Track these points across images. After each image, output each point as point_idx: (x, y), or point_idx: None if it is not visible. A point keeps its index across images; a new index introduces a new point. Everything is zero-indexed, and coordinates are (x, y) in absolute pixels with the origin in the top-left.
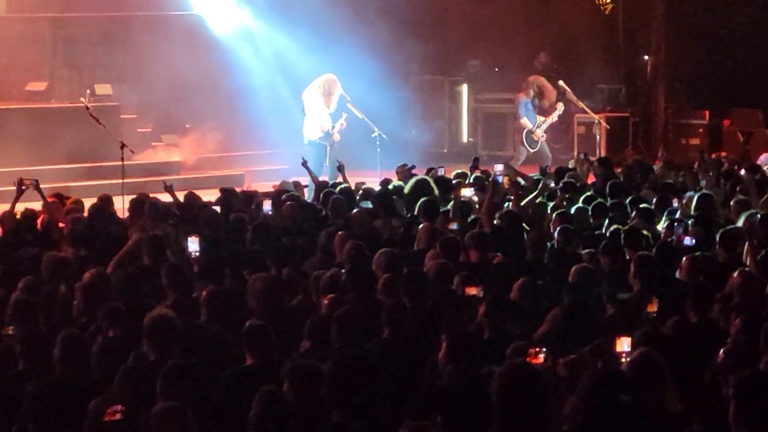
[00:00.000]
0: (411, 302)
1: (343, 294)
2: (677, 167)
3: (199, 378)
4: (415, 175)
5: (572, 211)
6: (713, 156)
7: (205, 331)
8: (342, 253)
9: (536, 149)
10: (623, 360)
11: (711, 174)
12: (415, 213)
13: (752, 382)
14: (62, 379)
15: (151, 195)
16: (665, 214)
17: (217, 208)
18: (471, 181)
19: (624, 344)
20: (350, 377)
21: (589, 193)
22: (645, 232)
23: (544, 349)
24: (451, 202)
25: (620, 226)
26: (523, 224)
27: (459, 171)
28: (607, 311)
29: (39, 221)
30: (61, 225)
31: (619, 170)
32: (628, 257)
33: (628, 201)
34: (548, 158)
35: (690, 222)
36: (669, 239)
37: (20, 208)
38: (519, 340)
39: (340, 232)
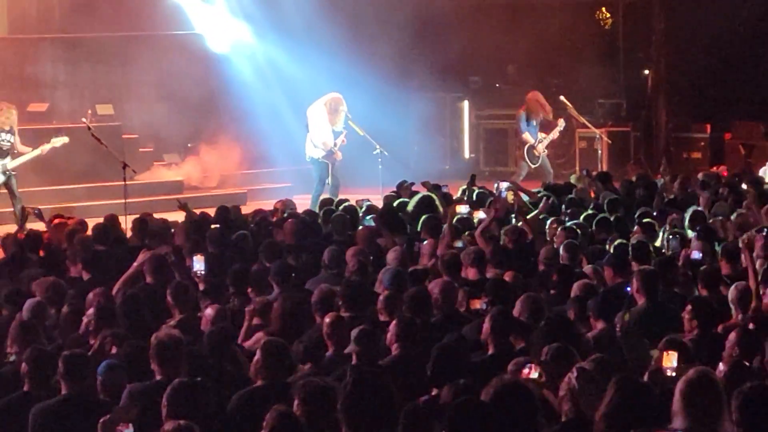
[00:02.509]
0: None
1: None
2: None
3: (206, 397)
4: (417, 192)
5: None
6: (713, 170)
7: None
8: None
9: (537, 165)
10: (669, 375)
11: (710, 188)
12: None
13: (755, 396)
14: (67, 399)
15: (154, 214)
16: (665, 228)
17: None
18: (470, 197)
19: (672, 359)
20: (367, 395)
21: (591, 210)
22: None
23: (532, 365)
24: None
25: (625, 241)
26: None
27: (463, 188)
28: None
29: (43, 243)
30: (64, 246)
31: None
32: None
33: (637, 215)
34: (550, 174)
35: (692, 236)
36: (670, 253)
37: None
38: (522, 356)
39: (352, 248)
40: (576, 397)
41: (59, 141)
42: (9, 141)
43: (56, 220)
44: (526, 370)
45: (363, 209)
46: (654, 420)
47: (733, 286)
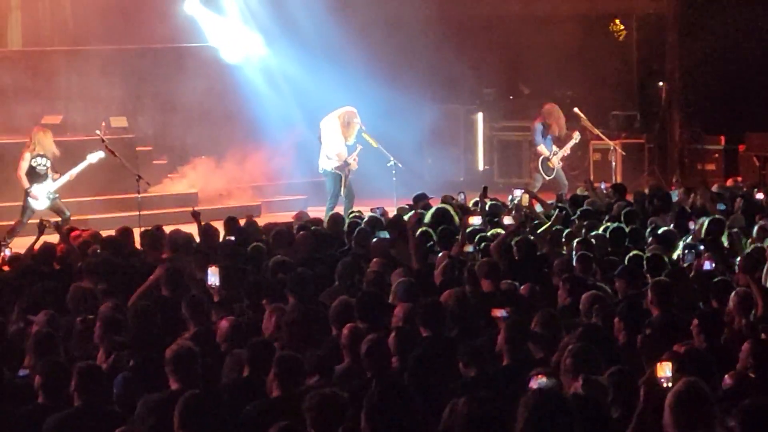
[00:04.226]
0: (428, 331)
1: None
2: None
3: (219, 409)
4: (431, 205)
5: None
6: (729, 182)
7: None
8: None
9: (552, 177)
10: (665, 386)
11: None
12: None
13: (757, 412)
14: (81, 410)
15: (167, 227)
16: (683, 239)
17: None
18: (483, 209)
19: (665, 369)
20: (389, 407)
21: (607, 222)
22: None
23: (542, 373)
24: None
25: (640, 252)
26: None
27: (476, 200)
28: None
29: (57, 255)
30: (77, 258)
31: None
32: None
33: (650, 227)
34: (565, 186)
35: (701, 247)
36: (684, 264)
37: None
38: (539, 367)
39: (375, 259)
40: None
41: (95, 157)
42: (45, 165)
43: (75, 233)
44: (533, 381)
45: (365, 219)
46: None
47: (733, 293)
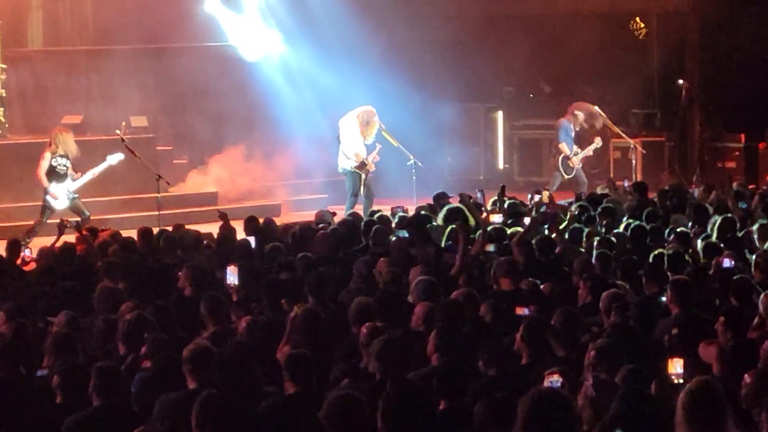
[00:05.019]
0: (446, 330)
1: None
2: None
3: (236, 408)
4: (449, 203)
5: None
6: (750, 187)
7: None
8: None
9: (571, 176)
10: (675, 382)
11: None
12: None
13: None
14: (99, 411)
15: (188, 226)
16: (702, 237)
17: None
18: (501, 208)
19: (677, 366)
20: (408, 408)
21: (628, 220)
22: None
23: (557, 372)
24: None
25: (663, 251)
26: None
27: (494, 199)
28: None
29: (77, 255)
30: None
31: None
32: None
33: (671, 225)
34: (584, 184)
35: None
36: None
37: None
38: (558, 366)
39: (382, 259)
40: (595, 405)
41: (115, 158)
42: (65, 165)
43: (103, 232)
44: (547, 380)
45: (396, 220)
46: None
47: (763, 294)
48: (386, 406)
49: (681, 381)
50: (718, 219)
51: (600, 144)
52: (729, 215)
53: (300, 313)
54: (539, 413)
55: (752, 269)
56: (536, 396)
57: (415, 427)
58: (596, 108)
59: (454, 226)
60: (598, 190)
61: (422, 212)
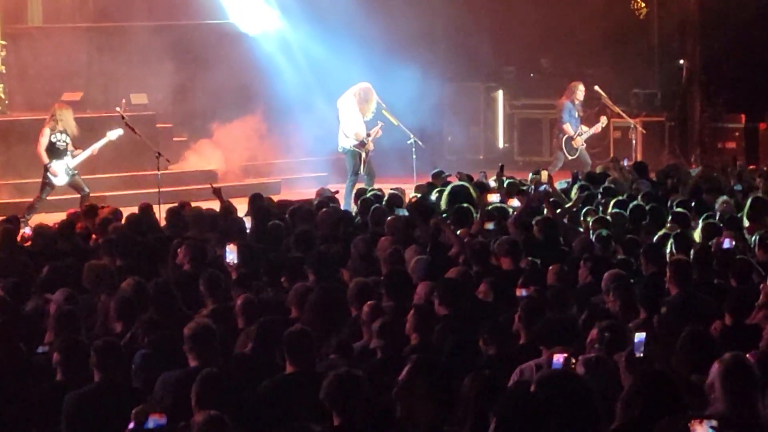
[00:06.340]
0: (447, 309)
1: (380, 300)
2: (714, 170)
3: (235, 386)
4: (450, 182)
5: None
6: (751, 167)
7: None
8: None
9: (575, 156)
10: (637, 355)
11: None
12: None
13: None
14: (100, 387)
15: (190, 203)
16: (702, 218)
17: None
18: (501, 187)
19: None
20: (426, 379)
21: (625, 199)
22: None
23: (561, 354)
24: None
25: (667, 231)
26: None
27: (493, 178)
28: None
29: (76, 232)
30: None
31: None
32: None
33: (669, 205)
34: (588, 165)
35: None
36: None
37: (57, 218)
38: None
39: (383, 237)
40: None
41: (115, 134)
42: (65, 141)
43: (104, 209)
44: (556, 359)
45: (386, 198)
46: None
47: None
48: (406, 378)
49: (641, 354)
50: (720, 199)
51: (605, 123)
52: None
53: (314, 292)
54: (549, 395)
55: (755, 248)
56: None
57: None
58: (596, 88)
59: (458, 205)
60: (598, 170)
61: (424, 193)
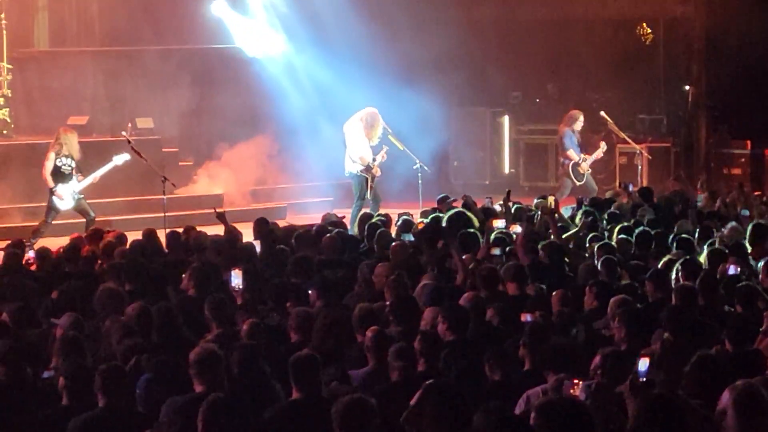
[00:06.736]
0: (453, 335)
1: (386, 326)
2: (719, 197)
3: (242, 412)
4: (452, 206)
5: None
6: (756, 193)
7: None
8: (381, 283)
9: (582, 182)
10: (641, 380)
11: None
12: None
13: None
14: (105, 412)
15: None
16: (707, 244)
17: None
18: (507, 212)
19: (643, 365)
20: (442, 409)
21: (627, 224)
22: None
23: (576, 381)
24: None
25: (672, 257)
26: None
27: (499, 203)
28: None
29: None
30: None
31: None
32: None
33: (675, 231)
34: (594, 191)
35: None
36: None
37: (63, 242)
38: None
39: (380, 264)
40: None
41: (121, 159)
42: (70, 165)
43: (109, 233)
44: (570, 387)
45: (399, 223)
46: None
47: None
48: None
49: (645, 380)
50: (728, 225)
51: (605, 148)
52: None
53: (320, 317)
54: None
55: (760, 275)
56: (549, 407)
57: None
58: (602, 113)
59: (463, 231)
60: (608, 194)
61: (431, 219)
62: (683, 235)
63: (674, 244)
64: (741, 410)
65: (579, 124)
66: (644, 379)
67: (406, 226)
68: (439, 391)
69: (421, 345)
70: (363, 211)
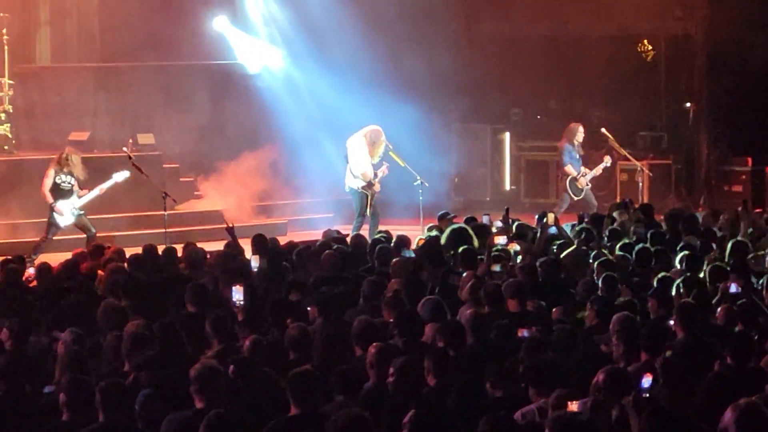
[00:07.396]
0: (454, 351)
1: (390, 341)
2: (720, 214)
3: (242, 428)
4: (453, 222)
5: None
6: (758, 210)
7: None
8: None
9: (581, 197)
10: (644, 396)
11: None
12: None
13: None
14: (104, 428)
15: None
16: (708, 262)
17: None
18: (508, 229)
19: (646, 381)
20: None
21: (628, 241)
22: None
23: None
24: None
25: (668, 274)
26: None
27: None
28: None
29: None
30: (100, 274)
31: (661, 218)
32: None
33: (679, 248)
34: (594, 207)
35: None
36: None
37: (63, 258)
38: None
39: (395, 280)
40: None
41: (121, 176)
42: (70, 183)
43: (108, 249)
44: (571, 405)
45: (394, 240)
46: None
47: None
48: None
49: (648, 396)
50: (730, 243)
51: (609, 162)
52: (739, 239)
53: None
54: None
55: (763, 292)
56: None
57: None
58: (603, 130)
59: (464, 247)
60: (615, 213)
61: (432, 235)
62: (688, 252)
63: (683, 263)
64: (743, 430)
65: (580, 136)
66: (647, 395)
67: (404, 242)
68: (430, 410)
69: (429, 362)
70: (358, 232)
